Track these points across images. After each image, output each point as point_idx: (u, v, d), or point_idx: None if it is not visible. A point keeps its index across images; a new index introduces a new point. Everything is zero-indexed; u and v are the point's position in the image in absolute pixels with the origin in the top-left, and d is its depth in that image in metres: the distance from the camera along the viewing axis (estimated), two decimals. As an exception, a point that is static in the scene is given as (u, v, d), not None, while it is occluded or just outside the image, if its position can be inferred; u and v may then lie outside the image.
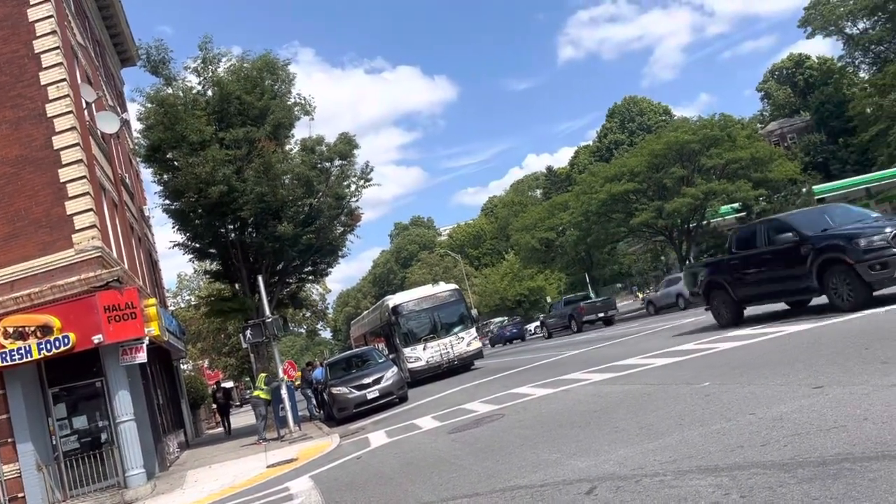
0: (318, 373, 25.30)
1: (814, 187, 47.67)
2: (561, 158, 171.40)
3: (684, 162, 39.21)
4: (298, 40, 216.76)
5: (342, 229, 25.65)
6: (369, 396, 19.96)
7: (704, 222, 40.95)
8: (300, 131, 52.65)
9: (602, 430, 7.79)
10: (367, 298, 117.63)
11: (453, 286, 28.42)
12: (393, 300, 27.43)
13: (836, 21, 74.64)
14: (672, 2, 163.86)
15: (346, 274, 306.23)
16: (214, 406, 37.77)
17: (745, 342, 11.86)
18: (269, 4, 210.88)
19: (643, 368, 12.17)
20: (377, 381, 20.20)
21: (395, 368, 21.45)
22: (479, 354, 26.09)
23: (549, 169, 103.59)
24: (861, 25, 74.01)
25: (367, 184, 24.76)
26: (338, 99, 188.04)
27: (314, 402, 24.92)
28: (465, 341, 25.57)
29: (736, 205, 40.26)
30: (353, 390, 20.17)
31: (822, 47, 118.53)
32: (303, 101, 24.27)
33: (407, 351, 25.23)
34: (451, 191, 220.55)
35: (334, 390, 20.65)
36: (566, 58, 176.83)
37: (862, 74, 77.51)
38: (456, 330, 25.79)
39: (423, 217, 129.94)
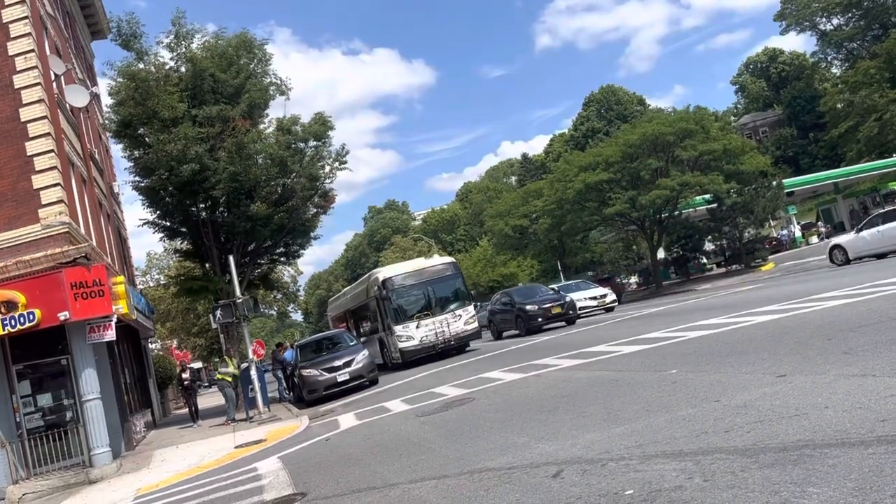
0: (289, 354, 25.18)
1: (784, 181, 48.33)
2: (535, 146, 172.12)
3: (659, 153, 39.49)
4: (275, 20, 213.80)
5: (315, 210, 25.44)
6: (339, 379, 19.93)
7: (677, 213, 41.36)
8: (275, 111, 52.14)
9: (570, 414, 7.88)
10: (339, 281, 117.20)
11: (449, 259, 26.04)
12: (383, 273, 24.50)
13: (811, 16, 75.61)
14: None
15: (318, 257, 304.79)
16: (180, 388, 37.49)
17: (713, 331, 12.05)
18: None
19: (612, 355, 12.31)
20: (348, 364, 20.18)
21: (365, 352, 21.42)
22: (476, 334, 23.79)
23: (524, 156, 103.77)
24: (835, 22, 75.11)
25: (342, 166, 24.57)
26: (315, 80, 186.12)
27: (284, 383, 24.81)
28: (462, 319, 23.09)
29: (707, 196, 40.71)
30: (324, 373, 20.12)
31: (795, 42, 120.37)
32: (279, 82, 23.97)
33: (398, 329, 22.66)
34: (425, 175, 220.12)
35: (304, 372, 20.59)
36: (543, 46, 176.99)
37: (834, 70, 78.74)
38: (452, 307, 23.32)
39: (397, 201, 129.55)
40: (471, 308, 23.88)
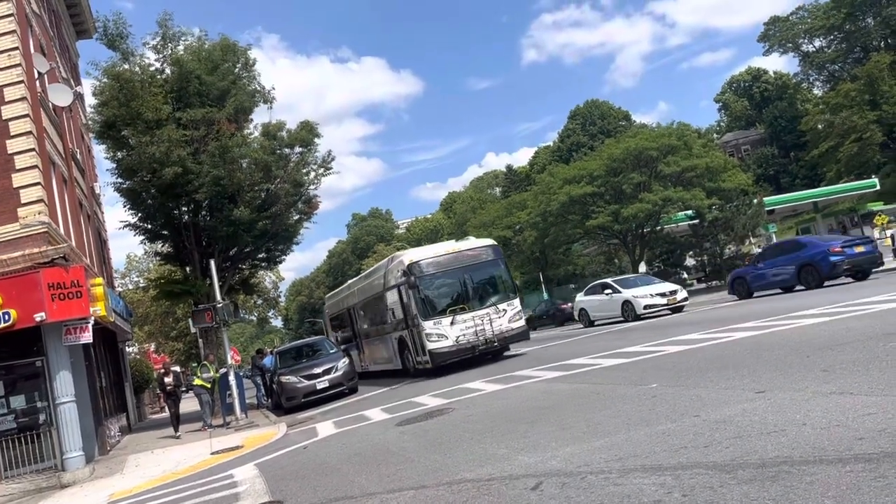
0: (268, 361, 24.99)
1: (764, 199, 48.84)
2: (520, 158, 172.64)
3: (642, 168, 39.81)
4: (263, 26, 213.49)
5: (299, 216, 25.35)
6: (319, 386, 19.81)
7: (659, 228, 41.66)
8: (260, 117, 51.96)
9: (550, 426, 7.87)
10: (321, 289, 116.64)
11: (489, 241, 21.00)
12: (408, 256, 20.01)
13: (794, 38, 76.75)
14: (635, 11, 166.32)
15: (300, 263, 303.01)
16: (160, 393, 37.06)
17: (692, 346, 12.12)
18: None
19: (592, 368, 12.34)
20: (327, 372, 20.07)
21: (346, 359, 21.30)
22: (523, 334, 19.39)
23: (509, 168, 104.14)
24: (817, 44, 76.25)
25: (328, 172, 24.53)
26: (302, 86, 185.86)
27: (263, 390, 24.62)
28: (506, 315, 18.79)
29: (689, 212, 41.06)
30: (303, 380, 19.99)
31: (778, 63, 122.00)
32: (263, 89, 23.93)
33: (428, 326, 18.21)
34: (410, 184, 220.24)
35: (283, 379, 20.43)
36: (529, 60, 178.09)
37: (815, 92, 79.84)
38: (494, 300, 19.08)
39: (381, 209, 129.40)
40: (517, 302, 19.55)
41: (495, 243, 20.90)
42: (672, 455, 5.47)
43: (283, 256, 27.42)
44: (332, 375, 20.01)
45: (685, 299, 25.42)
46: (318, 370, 20.20)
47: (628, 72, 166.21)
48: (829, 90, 67.78)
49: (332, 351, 22.41)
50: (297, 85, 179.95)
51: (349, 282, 29.28)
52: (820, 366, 7.66)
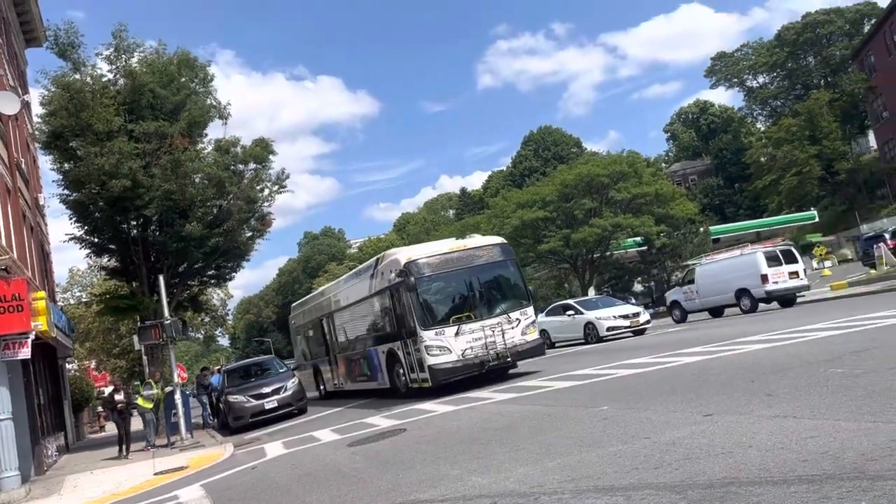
0: (215, 379, 24.49)
1: (710, 228, 50.21)
2: (474, 181, 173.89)
3: (594, 194, 40.57)
4: (218, 41, 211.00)
5: (251, 233, 25.03)
6: (267, 406, 19.49)
7: (608, 253, 42.42)
8: (215, 132, 51.33)
9: (504, 447, 7.92)
10: (270, 307, 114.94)
11: (499, 238, 18.15)
12: (404, 253, 16.77)
13: (739, 74, 79.56)
14: (588, 42, 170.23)
15: (249, 281, 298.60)
16: (101, 411, 35.92)
17: (642, 370, 12.36)
18: (190, 3, 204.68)
19: (544, 390, 12.46)
20: (276, 391, 19.77)
21: (296, 379, 21.01)
22: (538, 349, 16.69)
23: (463, 190, 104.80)
24: (761, 80, 79.12)
25: (282, 190, 24.32)
26: (256, 102, 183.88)
27: (209, 409, 24.07)
28: (519, 326, 16.01)
29: (638, 238, 41.96)
30: (251, 399, 19.65)
31: (724, 97, 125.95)
32: (219, 105, 23.67)
33: (428, 336, 15.27)
34: (364, 204, 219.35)
35: (231, 398, 20.04)
36: (485, 85, 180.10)
37: (759, 126, 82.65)
38: (505, 307, 16.20)
39: (334, 228, 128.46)
40: (530, 311, 16.74)
41: (505, 241, 17.94)
42: (623, 476, 5.57)
43: (234, 273, 27.01)
44: (281, 395, 19.71)
45: (647, 322, 25.65)
46: (266, 389, 19.88)
47: (581, 100, 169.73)
48: (772, 125, 70.28)
49: (281, 370, 22.09)
50: (251, 101, 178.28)
51: (322, 287, 26.33)
52: (764, 390, 7.90)
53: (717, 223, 62.35)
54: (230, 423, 19.95)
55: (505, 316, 15.96)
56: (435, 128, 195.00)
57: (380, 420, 13.41)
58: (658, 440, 6.54)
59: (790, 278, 23.56)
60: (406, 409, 14.19)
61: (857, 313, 14.81)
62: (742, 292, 24.09)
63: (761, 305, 24.19)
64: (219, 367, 37.44)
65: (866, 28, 63.01)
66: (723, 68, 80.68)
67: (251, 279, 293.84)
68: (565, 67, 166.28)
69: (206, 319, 44.56)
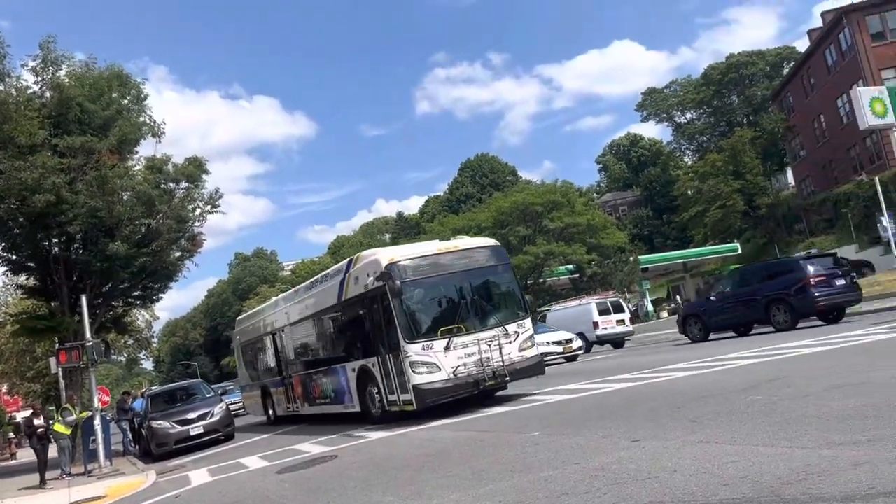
0: (138, 404, 23.61)
1: (640, 257, 51.63)
2: (410, 206, 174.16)
3: (528, 222, 41.26)
4: (150, 56, 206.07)
5: (181, 253, 24.39)
6: (193, 432, 18.91)
7: (541, 280, 43.08)
8: (147, 149, 49.99)
9: (436, 474, 7.90)
10: (198, 330, 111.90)
11: (492, 241, 16.01)
12: (385, 254, 14.38)
13: (668, 109, 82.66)
14: (524, 73, 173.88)
15: (176, 302, 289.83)
16: (13, 437, 34.11)
17: (572, 396, 12.55)
18: (122, 17, 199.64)
19: (477, 416, 12.50)
20: (203, 417, 19.23)
21: (223, 404, 20.48)
22: (538, 367, 14.54)
23: (400, 214, 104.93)
24: (688, 116, 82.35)
25: (214, 210, 23.82)
26: (189, 120, 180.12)
27: (130, 436, 23.16)
28: (517, 340, 14.06)
29: (570, 266, 42.79)
30: (176, 425, 19.04)
31: (654, 131, 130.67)
32: (152, 123, 23.10)
33: (413, 351, 13.14)
34: (298, 226, 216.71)
35: (154, 424, 19.36)
36: (422, 111, 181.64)
37: (686, 159, 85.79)
38: (501, 317, 14.15)
39: (266, 250, 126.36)
40: (528, 322, 14.74)
41: (498, 244, 15.94)
42: (554, 501, 5.64)
43: (161, 295, 26.21)
44: (207, 421, 19.18)
45: (580, 348, 26.41)
46: (192, 415, 19.31)
47: (516, 129, 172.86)
48: (698, 159, 73.09)
49: (208, 395, 21.52)
50: (184, 118, 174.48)
51: (276, 298, 23.76)
52: (689, 417, 8.14)
53: (646, 253, 64.21)
54: (153, 450, 19.26)
55: (501, 328, 13.86)
56: (373, 151, 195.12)
57: (310, 447, 13.18)
58: (588, 465, 6.65)
59: (617, 325, 28.85)
60: (337, 435, 14.00)
61: (774, 343, 15.44)
62: (580, 335, 27.51)
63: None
64: (142, 391, 36.11)
65: (786, 70, 66.48)
66: (653, 103, 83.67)
67: (179, 301, 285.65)
68: (502, 97, 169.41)
69: (130, 342, 43.03)
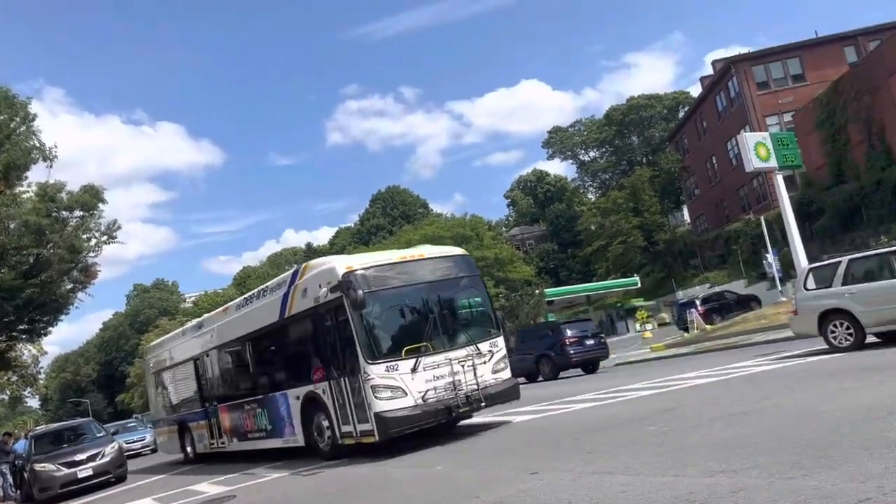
0: (20, 446, 22.07)
1: (546, 290, 52.81)
2: (320, 237, 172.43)
3: (437, 254, 41.59)
4: (46, 77, 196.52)
5: (73, 285, 23.25)
6: (80, 475, 17.80)
7: (450, 313, 43.36)
8: (39, 175, 47.58)
9: (336, 512, 7.78)
10: (91, 364, 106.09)
11: (460, 250, 14.46)
12: (341, 262, 12.58)
13: (572, 147, 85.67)
14: (435, 108, 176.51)
15: (66, 336, 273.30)
16: None
17: (478, 429, 12.64)
18: (15, 35, 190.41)
19: (384, 450, 12.38)
20: (92, 458, 18.14)
21: (115, 444, 19.42)
22: (513, 391, 12.88)
23: (309, 245, 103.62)
24: (592, 154, 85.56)
25: (111, 240, 22.90)
26: (87, 144, 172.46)
27: (10, 479, 21.58)
28: (491, 361, 12.56)
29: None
30: (62, 467, 17.88)
31: (559, 168, 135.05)
32: (43, 146, 22.10)
33: (376, 373, 11.40)
34: (201, 256, 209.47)
35: (38, 467, 18.13)
36: (334, 142, 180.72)
37: (590, 196, 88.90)
38: (473, 335, 12.65)
39: (167, 281, 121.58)
40: (501, 342, 13.16)
41: (467, 253, 14.49)
42: (453, 537, 5.66)
43: (50, 328, 24.88)
44: (97, 462, 18.10)
45: None
46: (80, 456, 18.19)
47: (428, 163, 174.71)
48: (601, 196, 75.91)
49: (98, 434, 20.37)
50: (82, 143, 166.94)
51: (199, 319, 20.72)
52: (586, 448, 8.38)
53: (552, 286, 65.76)
54: (35, 494, 18.03)
55: (473, 347, 12.29)
56: (282, 181, 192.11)
57: (208, 486, 12.70)
58: (487, 499, 6.73)
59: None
60: (236, 474, 13.55)
61: (672, 374, 16.10)
62: None
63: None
64: (25, 431, 33.79)
65: (681, 114, 70.32)
66: (558, 141, 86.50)
67: (70, 334, 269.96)
68: (413, 131, 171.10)
69: (14, 378, 40.34)
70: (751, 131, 36.81)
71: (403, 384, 11.42)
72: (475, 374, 11.90)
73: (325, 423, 12.68)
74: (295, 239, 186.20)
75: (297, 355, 14.03)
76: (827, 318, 13.72)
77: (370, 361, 11.37)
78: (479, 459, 9.23)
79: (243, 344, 16.20)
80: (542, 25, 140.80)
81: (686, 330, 32.21)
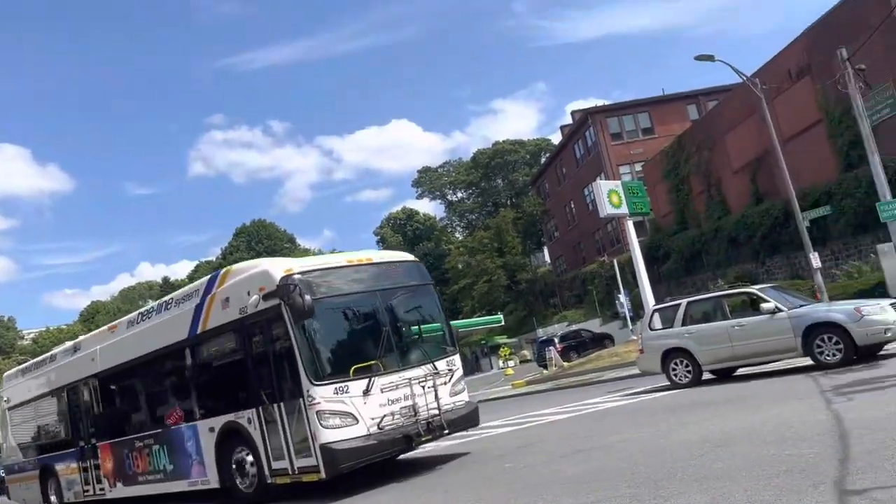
0: None
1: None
2: (179, 271, 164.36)
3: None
4: None
5: None
6: None
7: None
8: None
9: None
10: None
11: (411, 256, 13.12)
12: (279, 265, 10.70)
13: (441, 188, 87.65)
14: (305, 142, 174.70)
15: None
16: None
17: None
18: None
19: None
20: None
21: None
22: (474, 416, 11.40)
23: (166, 280, 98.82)
24: (459, 195, 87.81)
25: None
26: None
27: None
28: (450, 382, 11.10)
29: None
30: None
31: (429, 207, 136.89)
32: None
33: (323, 396, 9.66)
34: (44, 290, 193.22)
35: None
36: (196, 173, 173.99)
37: (457, 235, 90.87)
38: (429, 352, 11.19)
39: (2, 316, 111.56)
40: (458, 360, 11.61)
41: (418, 260, 13.17)
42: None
43: None
44: None
45: None
46: None
47: (296, 197, 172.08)
48: (468, 235, 77.85)
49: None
50: None
51: (77, 341, 16.93)
52: (444, 486, 8.50)
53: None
54: None
55: (430, 366, 10.74)
56: (138, 211, 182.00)
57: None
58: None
59: None
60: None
61: (530, 410, 16.65)
62: None
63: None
64: None
65: (543, 160, 73.81)
66: (427, 181, 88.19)
67: None
68: (282, 164, 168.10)
69: None
70: (605, 179, 39.26)
71: (355, 409, 9.69)
72: (436, 396, 10.41)
73: (250, 459, 10.67)
74: (151, 272, 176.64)
75: (213, 379, 11.91)
76: (669, 356, 14.76)
77: (316, 382, 9.56)
78: (332, 496, 9.10)
79: (137, 368, 13.59)
80: (413, 69, 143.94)
81: (545, 367, 33.40)
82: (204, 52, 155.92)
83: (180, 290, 13.29)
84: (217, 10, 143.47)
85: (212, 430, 11.36)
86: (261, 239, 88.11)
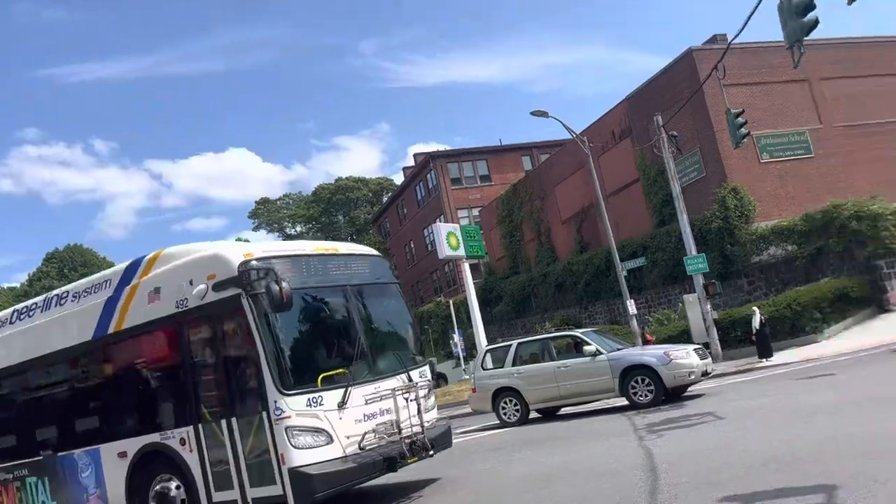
0: None
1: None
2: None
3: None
4: None
5: None
6: None
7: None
8: None
9: None
10: None
11: (374, 250, 10.75)
12: (235, 250, 8.61)
13: (280, 220, 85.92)
14: (132, 164, 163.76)
15: None
16: None
17: None
18: None
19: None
20: None
21: None
22: (447, 435, 9.84)
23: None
24: (299, 228, 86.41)
25: None
26: None
27: None
28: (427, 394, 9.45)
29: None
30: None
31: (266, 239, 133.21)
32: None
33: (294, 409, 7.73)
34: None
35: None
36: (4, 190, 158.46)
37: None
38: (403, 359, 9.56)
39: None
40: (428, 371, 9.88)
41: (381, 255, 11.10)
42: None
43: None
44: None
45: None
46: None
47: (119, 222, 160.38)
48: (305, 271, 76.68)
49: None
50: None
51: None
52: None
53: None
54: None
55: (405, 375, 9.14)
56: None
57: None
58: None
59: None
60: None
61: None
62: None
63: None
64: None
65: (385, 198, 74.59)
66: (265, 213, 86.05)
67: None
68: (104, 186, 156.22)
69: None
70: (445, 221, 40.33)
71: (329, 425, 7.94)
72: (419, 411, 8.87)
73: (180, 492, 8.55)
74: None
75: (128, 391, 9.56)
76: (499, 395, 15.28)
77: (286, 391, 7.72)
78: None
79: (15, 377, 10.94)
80: (256, 97, 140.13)
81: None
82: (21, 59, 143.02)
83: (81, 281, 10.89)
84: (41, 16, 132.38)
85: (122, 454, 9.12)
86: (75, 265, 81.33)
